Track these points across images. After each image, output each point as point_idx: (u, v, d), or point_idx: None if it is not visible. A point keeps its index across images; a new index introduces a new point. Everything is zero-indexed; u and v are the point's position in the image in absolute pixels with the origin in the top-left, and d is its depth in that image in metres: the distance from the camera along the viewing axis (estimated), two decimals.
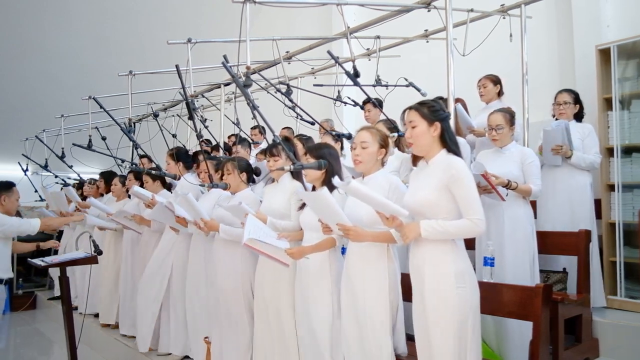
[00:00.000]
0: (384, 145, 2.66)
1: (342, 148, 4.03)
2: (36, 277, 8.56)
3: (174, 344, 4.10)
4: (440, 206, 2.23)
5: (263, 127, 5.14)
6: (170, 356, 4.10)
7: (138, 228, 4.63)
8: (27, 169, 6.87)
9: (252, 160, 4.43)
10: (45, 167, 6.54)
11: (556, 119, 3.91)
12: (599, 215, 3.89)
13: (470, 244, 2.91)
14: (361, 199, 2.28)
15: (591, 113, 4.02)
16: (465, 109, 4.24)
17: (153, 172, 4.50)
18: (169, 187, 4.69)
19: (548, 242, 3.50)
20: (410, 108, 2.38)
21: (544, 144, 3.72)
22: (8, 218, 4.07)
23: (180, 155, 4.27)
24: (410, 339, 2.67)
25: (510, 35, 4.47)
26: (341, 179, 2.81)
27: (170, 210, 3.71)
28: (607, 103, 3.98)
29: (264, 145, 5.15)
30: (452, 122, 3.08)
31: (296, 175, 3.15)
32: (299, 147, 3.39)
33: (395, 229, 2.32)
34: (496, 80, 4.32)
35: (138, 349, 4.31)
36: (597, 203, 3.89)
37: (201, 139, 4.05)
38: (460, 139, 3.59)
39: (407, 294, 2.53)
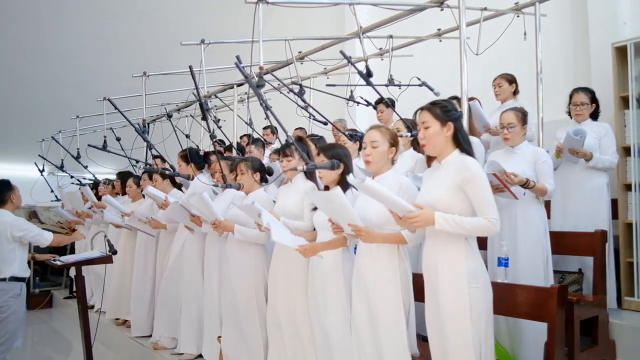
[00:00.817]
0: (394, 143, 2.66)
1: (360, 148, 4.01)
2: (52, 276, 8.68)
3: (188, 343, 4.12)
4: (454, 206, 2.21)
5: (275, 127, 5.16)
6: (184, 355, 4.13)
7: (152, 231, 4.66)
8: (43, 170, 6.96)
9: (266, 160, 4.44)
10: (61, 167, 6.63)
11: (572, 119, 3.87)
12: (615, 215, 3.84)
13: (482, 244, 2.89)
14: (375, 197, 2.27)
15: (607, 111, 3.97)
16: None
17: (167, 172, 4.53)
18: (179, 186, 4.73)
19: (563, 243, 3.47)
20: (422, 108, 2.37)
21: (565, 145, 3.66)
22: (26, 224, 4.19)
23: (191, 157, 4.29)
24: (422, 339, 2.66)
25: (525, 34, 4.42)
26: None
27: (186, 209, 3.72)
28: (624, 101, 3.93)
29: (276, 145, 5.16)
30: (465, 121, 3.07)
31: (310, 175, 3.15)
32: (312, 148, 3.39)
33: (407, 228, 2.32)
34: (511, 80, 4.28)
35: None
36: (614, 203, 3.84)
37: (214, 140, 4.07)
38: (474, 139, 3.57)
39: (418, 294, 2.52)
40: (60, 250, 8.13)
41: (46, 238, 4.23)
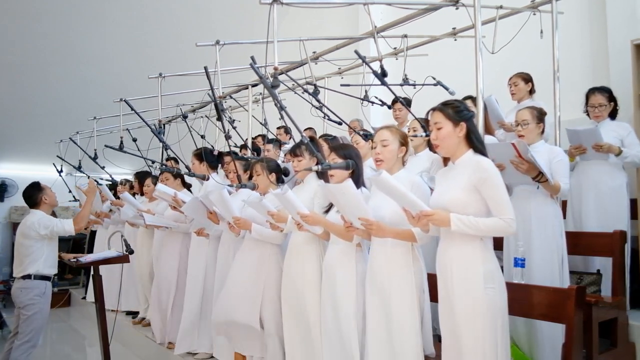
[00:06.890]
0: (404, 143, 2.69)
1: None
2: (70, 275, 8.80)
3: (201, 343, 4.14)
4: (469, 206, 2.20)
5: (288, 127, 5.16)
6: (198, 354, 4.15)
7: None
8: (61, 170, 7.06)
9: (280, 161, 4.45)
10: (78, 168, 6.70)
11: (590, 119, 3.81)
12: (634, 215, 3.77)
13: (498, 244, 2.86)
14: (390, 192, 2.27)
15: (626, 110, 3.91)
16: None
17: (182, 172, 4.56)
18: (189, 186, 4.76)
19: (581, 243, 3.42)
20: (434, 109, 2.37)
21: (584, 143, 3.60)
22: (49, 221, 4.23)
23: (205, 156, 4.32)
24: (438, 339, 2.65)
25: (541, 32, 4.37)
26: (363, 180, 2.84)
27: (205, 205, 3.72)
28: None
29: (290, 145, 5.17)
30: (481, 117, 3.04)
31: (321, 175, 3.14)
32: (324, 148, 3.39)
33: (420, 227, 2.31)
34: (527, 78, 4.23)
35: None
36: (633, 203, 3.78)
37: (229, 140, 4.09)
38: (489, 138, 3.54)
39: (432, 294, 2.50)
40: (79, 249, 8.25)
41: (67, 230, 4.25)
